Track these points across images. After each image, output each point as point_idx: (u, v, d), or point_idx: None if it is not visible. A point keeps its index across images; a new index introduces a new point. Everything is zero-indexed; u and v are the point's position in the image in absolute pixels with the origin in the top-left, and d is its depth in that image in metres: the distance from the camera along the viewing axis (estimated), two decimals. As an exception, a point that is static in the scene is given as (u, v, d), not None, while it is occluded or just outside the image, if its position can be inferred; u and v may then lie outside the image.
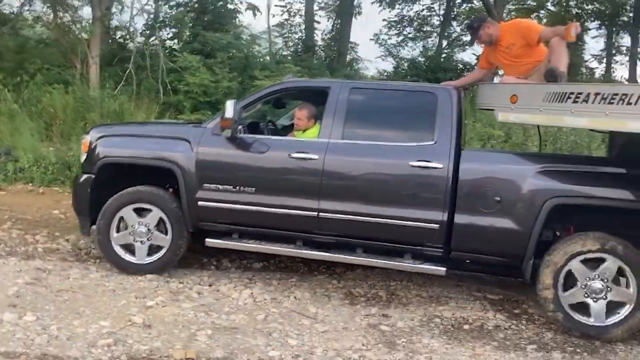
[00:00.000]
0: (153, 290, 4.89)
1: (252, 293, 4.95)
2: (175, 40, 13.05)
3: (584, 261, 4.34)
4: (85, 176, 5.39)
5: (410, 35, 19.72)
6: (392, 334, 4.27)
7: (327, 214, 4.87)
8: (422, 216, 4.71)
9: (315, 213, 4.89)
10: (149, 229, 5.20)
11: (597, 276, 4.29)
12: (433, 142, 4.78)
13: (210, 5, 13.10)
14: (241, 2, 14.05)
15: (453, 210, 4.67)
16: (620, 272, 4.29)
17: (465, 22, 16.64)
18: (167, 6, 13.34)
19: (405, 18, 19.26)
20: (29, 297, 4.52)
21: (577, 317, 4.35)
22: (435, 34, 19.84)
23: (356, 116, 5.07)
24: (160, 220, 5.21)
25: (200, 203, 5.09)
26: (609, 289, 4.28)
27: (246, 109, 5.32)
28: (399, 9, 19.03)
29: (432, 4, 19.27)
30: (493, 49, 5.48)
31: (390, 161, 4.86)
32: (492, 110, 5.17)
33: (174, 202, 5.20)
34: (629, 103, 3.69)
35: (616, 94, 3.81)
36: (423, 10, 19.25)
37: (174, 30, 12.77)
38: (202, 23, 12.45)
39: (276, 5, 18.31)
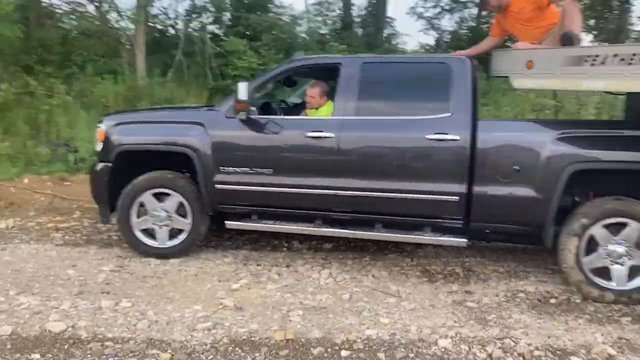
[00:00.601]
0: (234, 274, 4.97)
1: (330, 273, 5.00)
2: (216, 25, 13.03)
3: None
4: (102, 165, 5.44)
5: (446, 8, 19.33)
6: (480, 310, 4.25)
7: (345, 192, 4.88)
8: (441, 189, 4.69)
9: (334, 191, 4.90)
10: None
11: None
12: (449, 114, 4.72)
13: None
14: (280, -18, 14.06)
15: (472, 181, 4.65)
16: None
17: None
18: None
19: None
20: (118, 284, 4.65)
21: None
22: (472, 4, 19.39)
23: (369, 91, 4.98)
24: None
25: (218, 186, 5.14)
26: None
27: (258, 89, 5.31)
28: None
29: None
30: (504, 15, 5.40)
31: (406, 135, 4.81)
32: (507, 77, 5.14)
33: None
34: None
35: (635, 54, 3.73)
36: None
37: (214, 15, 12.73)
38: (243, 6, 12.40)
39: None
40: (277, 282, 4.77)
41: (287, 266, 5.21)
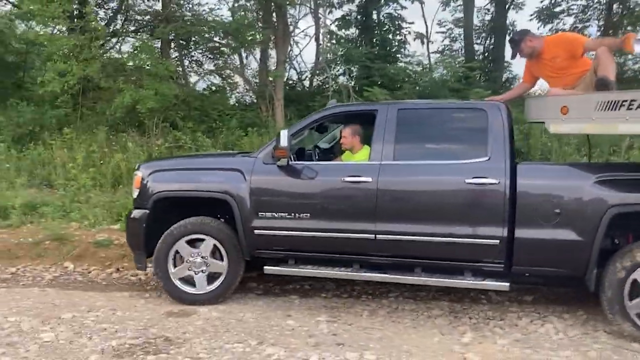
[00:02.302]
0: (451, 327, 4.95)
1: (555, 327, 4.83)
2: (347, 76, 13.41)
3: None
4: (138, 211, 5.52)
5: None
6: None
7: (384, 236, 4.89)
8: (481, 233, 4.70)
9: (372, 235, 4.90)
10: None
11: None
12: (487, 158, 4.75)
13: (378, 37, 13.46)
14: (409, 32, 14.37)
15: (513, 225, 4.62)
16: None
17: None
18: (337, 44, 13.79)
19: (559, 31, 18.44)
20: (346, 336, 4.66)
21: None
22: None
23: (406, 136, 5.04)
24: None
25: (256, 231, 5.14)
26: None
27: (294, 136, 5.33)
28: (552, 24, 18.28)
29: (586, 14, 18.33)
30: (536, 62, 5.47)
31: (445, 179, 4.85)
32: (542, 122, 5.15)
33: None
34: None
35: None
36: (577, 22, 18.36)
37: (348, 67, 13.14)
38: (377, 57, 12.72)
39: (437, 32, 18.57)
40: (504, 337, 4.64)
41: (501, 319, 5.08)
